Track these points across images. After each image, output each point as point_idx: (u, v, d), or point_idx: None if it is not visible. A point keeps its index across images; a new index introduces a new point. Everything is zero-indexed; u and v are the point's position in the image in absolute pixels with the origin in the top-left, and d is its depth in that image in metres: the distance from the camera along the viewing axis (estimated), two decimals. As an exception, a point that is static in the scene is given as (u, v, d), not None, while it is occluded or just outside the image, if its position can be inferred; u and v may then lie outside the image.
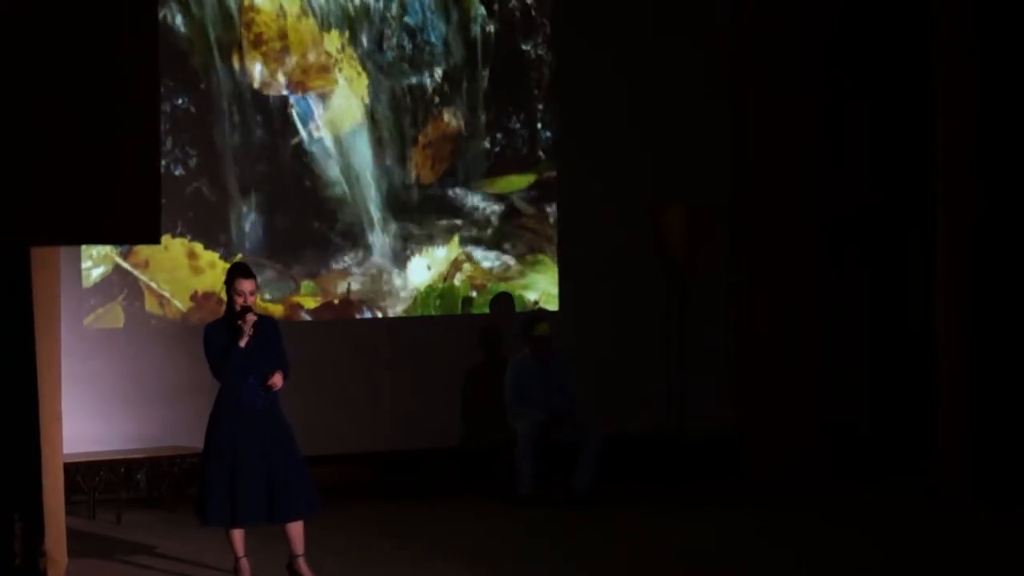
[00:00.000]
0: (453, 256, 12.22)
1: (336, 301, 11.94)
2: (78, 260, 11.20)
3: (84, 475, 10.94)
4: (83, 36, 6.72)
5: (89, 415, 11.09)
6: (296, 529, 8.92)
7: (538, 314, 12.08)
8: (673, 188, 12.53)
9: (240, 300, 8.78)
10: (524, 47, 12.36)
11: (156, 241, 7.19)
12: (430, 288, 12.16)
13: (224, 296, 9.04)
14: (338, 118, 11.89)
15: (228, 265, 9.83)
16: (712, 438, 12.41)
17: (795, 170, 12.32)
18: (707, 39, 12.62)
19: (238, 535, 8.93)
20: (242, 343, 8.73)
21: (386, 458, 12.05)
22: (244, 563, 8.97)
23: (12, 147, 6.62)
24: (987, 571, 9.43)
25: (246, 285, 8.80)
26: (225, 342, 8.75)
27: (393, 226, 12.05)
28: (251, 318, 8.74)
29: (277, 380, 8.78)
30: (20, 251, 7.83)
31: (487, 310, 12.35)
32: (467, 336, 12.23)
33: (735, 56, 12.52)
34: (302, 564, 8.95)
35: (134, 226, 6.99)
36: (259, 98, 11.72)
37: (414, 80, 12.08)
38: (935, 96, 11.36)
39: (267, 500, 8.79)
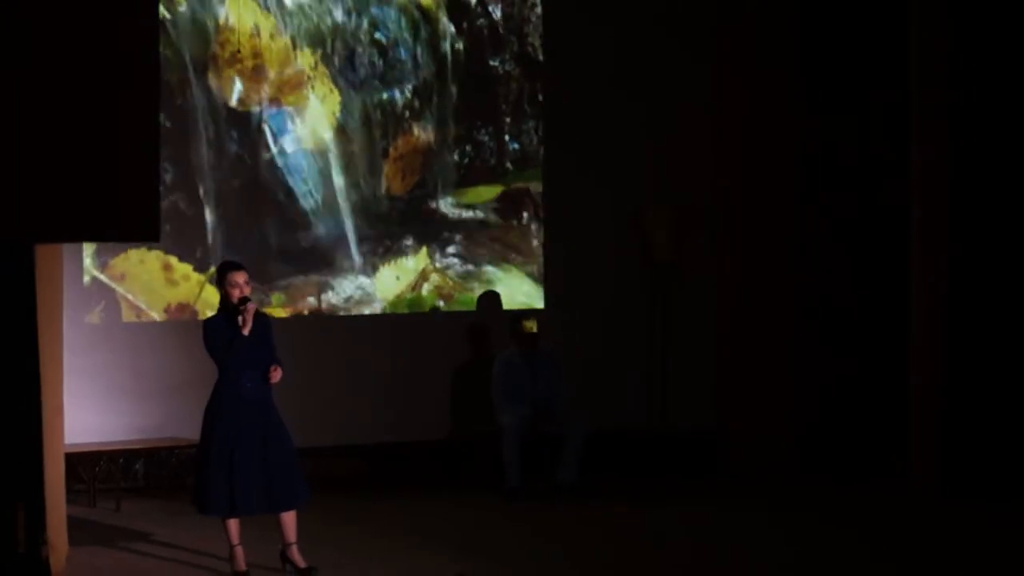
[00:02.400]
0: (421, 267, 12.30)
1: (306, 312, 12.02)
2: (80, 257, 11.29)
3: (85, 465, 11.01)
4: (86, 35, 6.73)
5: (90, 407, 11.16)
6: (290, 518, 8.96)
7: (526, 311, 12.18)
8: (659, 189, 12.54)
9: (236, 292, 8.88)
10: (492, 63, 12.51)
11: (156, 239, 7.24)
12: (398, 298, 12.27)
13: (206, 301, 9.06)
14: (311, 133, 12.01)
15: (202, 277, 9.91)
16: (695, 435, 12.43)
17: (780, 173, 12.32)
18: (696, 40, 12.62)
19: (234, 524, 8.97)
20: (245, 331, 8.82)
21: (377, 451, 12.07)
22: (239, 551, 9.00)
23: (16, 146, 6.69)
24: (965, 564, 9.44)
25: (239, 276, 8.92)
26: (228, 334, 8.84)
27: (364, 237, 12.13)
28: (252, 306, 8.86)
29: (277, 375, 8.87)
30: (24, 248, 7.98)
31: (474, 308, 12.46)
32: (456, 332, 12.28)
33: (724, 57, 12.50)
34: (295, 552, 8.99)
35: (135, 224, 7.07)
36: (234, 114, 11.81)
37: (385, 96, 12.19)
38: (912, 104, 11.43)
39: (265, 490, 8.84)
